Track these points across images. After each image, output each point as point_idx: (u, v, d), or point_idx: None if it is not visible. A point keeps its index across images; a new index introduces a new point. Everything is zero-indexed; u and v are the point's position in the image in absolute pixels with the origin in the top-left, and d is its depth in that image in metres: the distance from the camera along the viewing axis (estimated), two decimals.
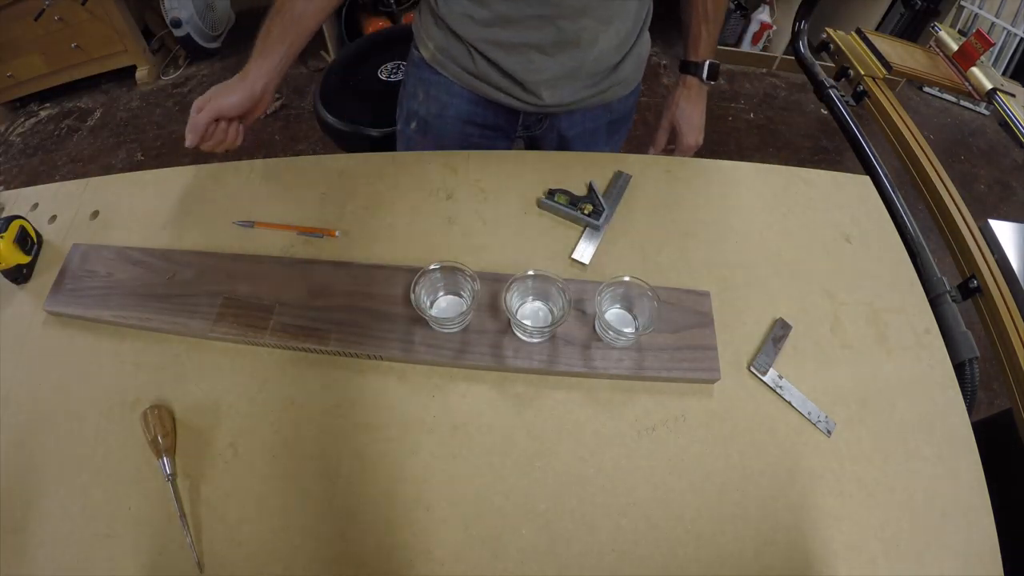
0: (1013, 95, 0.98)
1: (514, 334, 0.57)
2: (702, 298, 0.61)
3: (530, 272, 0.55)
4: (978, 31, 1.04)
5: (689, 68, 0.81)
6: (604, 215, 0.68)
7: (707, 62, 0.80)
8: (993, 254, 0.74)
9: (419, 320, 0.56)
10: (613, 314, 0.59)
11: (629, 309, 0.59)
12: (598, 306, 0.55)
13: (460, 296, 0.59)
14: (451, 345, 0.56)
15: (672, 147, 0.86)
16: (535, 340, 0.56)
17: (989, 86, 0.99)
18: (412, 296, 0.54)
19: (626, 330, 0.55)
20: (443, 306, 0.60)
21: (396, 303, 0.59)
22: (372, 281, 0.61)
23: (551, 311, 0.58)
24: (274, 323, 0.57)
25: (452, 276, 0.58)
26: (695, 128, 0.83)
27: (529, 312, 0.59)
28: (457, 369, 0.57)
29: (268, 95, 0.68)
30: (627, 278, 0.55)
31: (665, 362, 0.56)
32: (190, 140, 0.64)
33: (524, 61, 0.71)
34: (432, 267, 0.56)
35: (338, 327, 0.57)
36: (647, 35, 0.81)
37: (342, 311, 0.58)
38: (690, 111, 0.82)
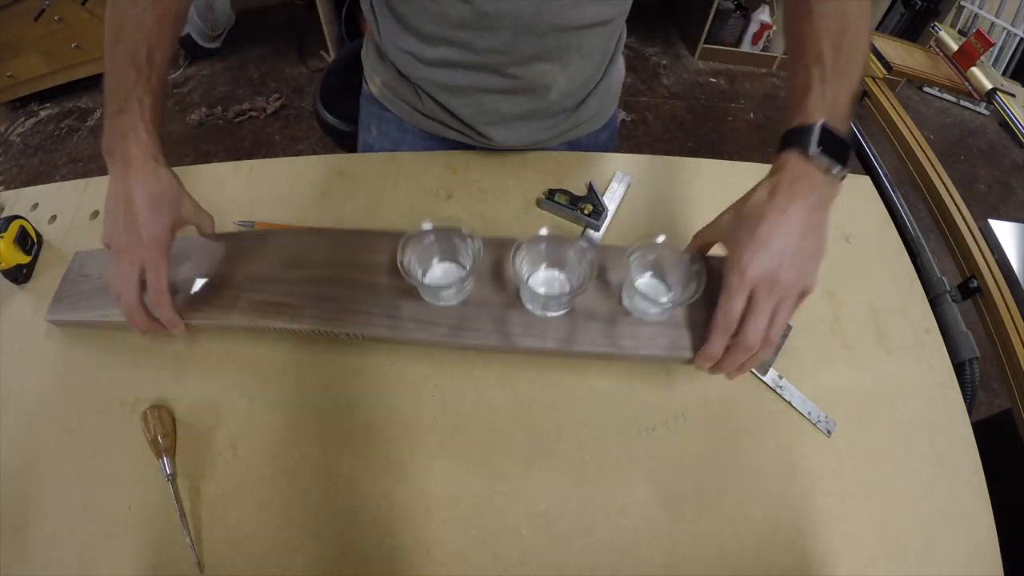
0: (1013, 95, 0.98)
1: (523, 308, 0.49)
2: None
3: (543, 232, 0.47)
4: (978, 31, 1.05)
5: (787, 138, 0.44)
6: (604, 215, 0.68)
7: (820, 124, 0.42)
8: (993, 254, 0.74)
9: (410, 291, 0.50)
10: (645, 283, 0.51)
11: (663, 278, 0.51)
12: (628, 272, 0.47)
13: (458, 263, 0.52)
14: (447, 321, 0.49)
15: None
16: (551, 314, 0.49)
17: (989, 86, 0.99)
18: (400, 261, 0.45)
19: (661, 299, 0.47)
20: (438, 275, 0.51)
21: (382, 273, 0.52)
22: (356, 249, 0.55)
23: (569, 280, 0.50)
24: (244, 301, 0.52)
25: (448, 240, 0.50)
26: (763, 250, 0.41)
27: (543, 281, 0.51)
28: (458, 368, 0.57)
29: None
30: (661, 239, 0.47)
31: (699, 341, 0.48)
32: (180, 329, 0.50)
33: (474, 103, 0.65)
34: (425, 227, 0.48)
35: (313, 301, 0.51)
36: (619, 63, 0.74)
37: (319, 283, 0.52)
38: (759, 214, 0.42)
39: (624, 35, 0.70)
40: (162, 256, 0.48)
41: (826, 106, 0.43)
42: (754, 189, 0.45)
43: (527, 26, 0.56)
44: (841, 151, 0.43)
